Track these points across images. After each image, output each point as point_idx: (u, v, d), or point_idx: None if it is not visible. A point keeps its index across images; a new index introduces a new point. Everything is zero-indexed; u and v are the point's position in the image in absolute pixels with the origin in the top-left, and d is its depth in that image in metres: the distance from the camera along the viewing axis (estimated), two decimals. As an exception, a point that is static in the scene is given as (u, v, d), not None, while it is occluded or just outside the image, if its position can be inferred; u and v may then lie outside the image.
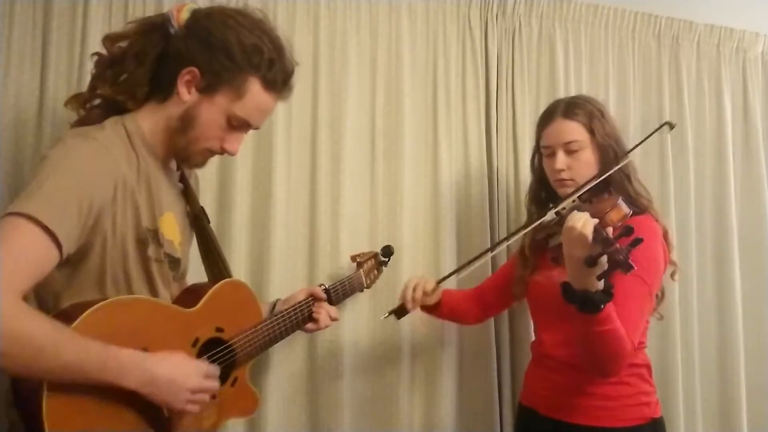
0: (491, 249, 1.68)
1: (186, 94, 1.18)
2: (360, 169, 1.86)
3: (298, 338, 1.77)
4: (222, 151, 1.24)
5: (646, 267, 1.32)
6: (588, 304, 1.18)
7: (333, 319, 1.54)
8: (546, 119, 1.56)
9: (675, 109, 2.24)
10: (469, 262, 1.59)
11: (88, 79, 1.29)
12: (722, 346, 2.25)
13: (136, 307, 1.13)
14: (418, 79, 1.94)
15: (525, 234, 1.53)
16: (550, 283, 1.49)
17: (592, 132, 1.48)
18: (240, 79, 1.18)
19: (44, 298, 1.11)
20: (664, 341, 2.10)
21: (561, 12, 2.10)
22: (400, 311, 1.59)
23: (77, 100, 1.23)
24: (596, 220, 1.17)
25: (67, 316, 1.03)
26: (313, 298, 1.52)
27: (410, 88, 1.92)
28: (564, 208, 1.34)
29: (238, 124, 1.22)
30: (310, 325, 1.52)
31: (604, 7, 2.15)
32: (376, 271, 1.76)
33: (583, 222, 1.16)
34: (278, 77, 1.22)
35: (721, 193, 2.28)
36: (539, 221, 1.40)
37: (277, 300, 1.55)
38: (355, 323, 1.82)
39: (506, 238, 1.69)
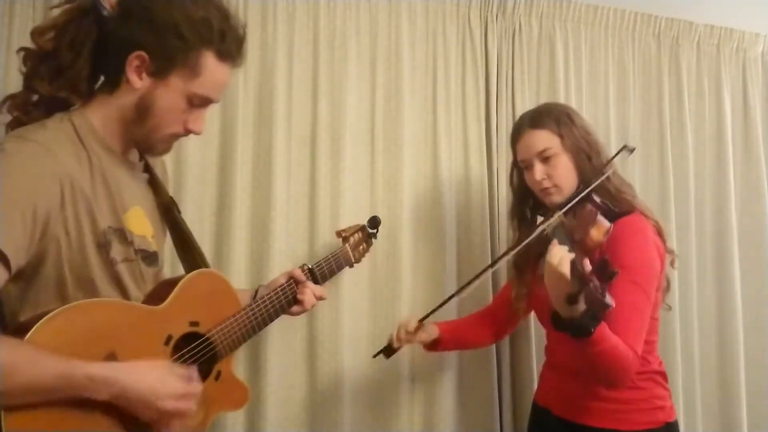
0: (476, 277, 1.53)
1: (137, 81, 1.08)
2: (360, 168, 1.86)
3: (298, 337, 1.77)
4: (187, 133, 1.16)
5: (638, 269, 1.33)
6: (578, 330, 1.19)
7: (319, 298, 1.45)
8: (515, 135, 1.57)
9: (675, 109, 2.24)
10: (450, 297, 1.55)
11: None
12: (722, 346, 2.25)
13: (98, 309, 1.04)
14: (417, 78, 1.94)
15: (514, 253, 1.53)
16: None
17: (561, 136, 1.48)
18: (193, 56, 1.09)
19: (2, 318, 1.02)
20: (664, 341, 2.08)
21: (561, 12, 2.10)
22: (387, 350, 1.59)
23: (13, 103, 1.10)
24: (572, 256, 1.16)
25: (24, 330, 0.94)
26: (295, 280, 1.41)
27: (410, 88, 1.92)
28: (548, 226, 1.36)
29: (199, 103, 1.14)
30: (295, 308, 1.41)
31: (604, 8, 2.16)
32: (364, 244, 1.68)
33: (559, 259, 1.16)
34: (232, 47, 1.14)
35: (721, 193, 2.29)
36: (526, 242, 1.39)
37: (260, 286, 1.46)
38: (355, 322, 1.81)
39: (491, 265, 1.59)
